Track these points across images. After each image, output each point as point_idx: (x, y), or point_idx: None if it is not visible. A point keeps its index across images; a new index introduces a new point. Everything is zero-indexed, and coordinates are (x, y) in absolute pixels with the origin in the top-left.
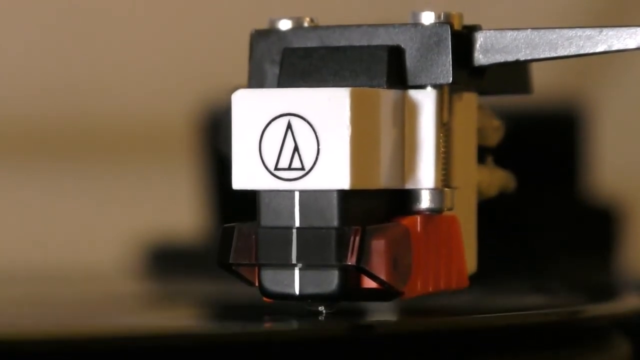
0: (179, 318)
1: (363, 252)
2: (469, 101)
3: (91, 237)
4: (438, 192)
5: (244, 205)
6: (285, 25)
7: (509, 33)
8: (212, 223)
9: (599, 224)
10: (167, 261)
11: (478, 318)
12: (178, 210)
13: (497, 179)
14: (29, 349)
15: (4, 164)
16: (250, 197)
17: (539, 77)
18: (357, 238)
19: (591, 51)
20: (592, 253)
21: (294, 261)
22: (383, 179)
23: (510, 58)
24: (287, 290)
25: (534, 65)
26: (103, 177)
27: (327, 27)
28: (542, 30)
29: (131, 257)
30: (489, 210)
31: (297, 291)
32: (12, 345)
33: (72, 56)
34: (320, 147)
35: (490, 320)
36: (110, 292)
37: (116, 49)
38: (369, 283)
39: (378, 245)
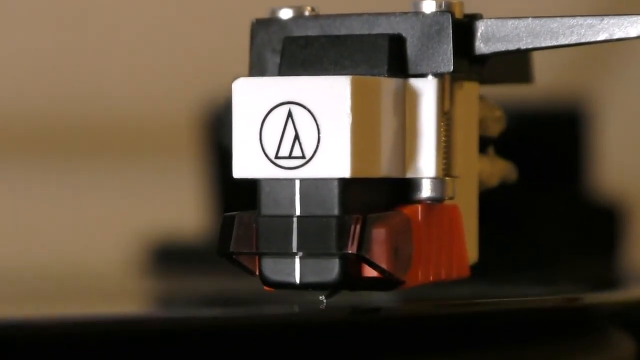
0: (181, 311)
1: (364, 241)
2: (470, 90)
3: (94, 235)
4: (439, 181)
5: (247, 202)
6: (286, 14)
7: (510, 22)
8: (215, 220)
9: (603, 222)
10: (170, 258)
11: (480, 304)
12: (181, 208)
13: (499, 169)
14: (30, 344)
15: (7, 163)
16: (252, 191)
17: (543, 74)
18: (358, 226)
19: (592, 40)
20: (595, 251)
21: (294, 250)
22: (384, 168)
23: (512, 47)
24: (287, 279)
25: (539, 60)
26: (106, 175)
27: (328, 16)
28: (544, 19)
29: (135, 254)
30: (492, 209)
31: (297, 280)
32: (13, 338)
33: (73, 54)
34: (320, 135)
35: (493, 307)
36: (113, 289)
37: (117, 47)
38: (369, 272)
39: (379, 234)
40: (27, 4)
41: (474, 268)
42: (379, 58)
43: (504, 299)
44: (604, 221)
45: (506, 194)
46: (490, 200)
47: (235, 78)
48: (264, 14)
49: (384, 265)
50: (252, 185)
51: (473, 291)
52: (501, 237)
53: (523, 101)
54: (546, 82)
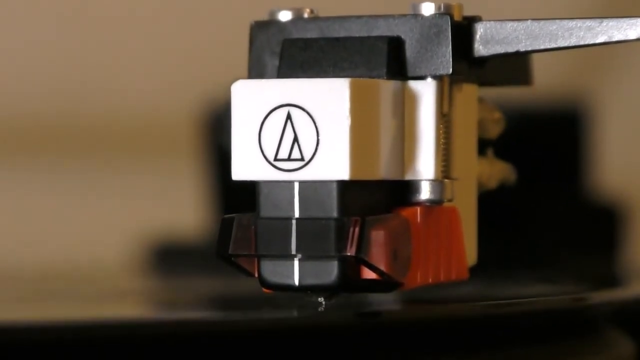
0: (181, 313)
1: (363, 243)
2: (469, 92)
3: (94, 234)
4: (438, 183)
5: (247, 202)
6: (285, 16)
7: (509, 24)
8: (214, 220)
9: (603, 222)
10: (170, 258)
11: (478, 306)
12: (181, 207)
13: (498, 171)
14: (30, 342)
15: (6, 163)
16: (252, 192)
17: (543, 74)
18: (357, 229)
19: (591, 42)
20: (595, 251)
21: (293, 252)
22: (383, 170)
23: (511, 49)
24: (286, 281)
25: (539, 61)
26: (106, 174)
27: (327, 18)
28: (543, 21)
29: (135, 254)
30: (493, 208)
31: (296, 282)
32: (15, 337)
33: (74, 54)
34: (319, 137)
35: (492, 309)
36: (113, 288)
37: (117, 46)
38: (368, 274)
39: (378, 236)
40: (27, 3)
41: (474, 268)
42: (377, 60)
43: (507, 301)
44: (604, 221)
45: (506, 194)
46: (491, 200)
47: (234, 79)
48: (263, 13)
49: (382, 268)
50: (251, 187)
51: (473, 292)
52: (501, 236)
53: (523, 101)
54: (546, 82)
